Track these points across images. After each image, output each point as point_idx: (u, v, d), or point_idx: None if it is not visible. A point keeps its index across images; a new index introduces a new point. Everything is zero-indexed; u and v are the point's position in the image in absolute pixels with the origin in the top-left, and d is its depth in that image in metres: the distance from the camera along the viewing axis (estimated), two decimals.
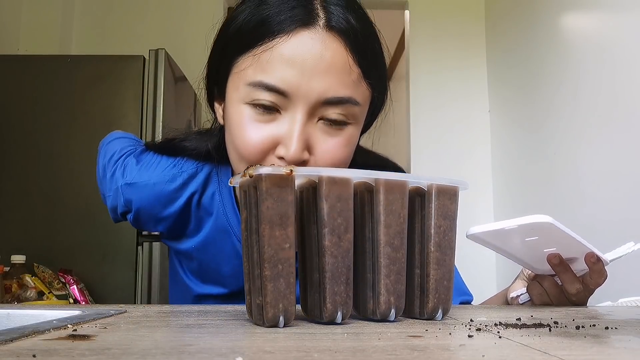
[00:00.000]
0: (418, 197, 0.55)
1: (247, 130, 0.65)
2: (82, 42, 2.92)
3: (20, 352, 0.33)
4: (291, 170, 0.47)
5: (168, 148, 0.83)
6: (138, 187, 0.80)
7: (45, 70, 2.15)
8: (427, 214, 0.54)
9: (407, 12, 3.03)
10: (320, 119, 0.66)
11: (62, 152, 2.11)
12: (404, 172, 0.89)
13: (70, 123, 2.12)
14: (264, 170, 0.46)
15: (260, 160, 0.66)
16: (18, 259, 1.89)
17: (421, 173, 0.91)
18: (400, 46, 3.81)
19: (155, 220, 0.82)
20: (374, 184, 0.52)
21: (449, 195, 0.55)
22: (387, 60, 0.74)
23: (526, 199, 2.35)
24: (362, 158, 0.81)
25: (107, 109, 2.13)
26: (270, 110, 0.65)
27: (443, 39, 2.94)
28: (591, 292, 0.75)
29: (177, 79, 2.33)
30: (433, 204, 0.54)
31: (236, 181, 0.51)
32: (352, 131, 0.68)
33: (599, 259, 0.71)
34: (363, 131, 0.77)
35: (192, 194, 0.80)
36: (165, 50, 2.16)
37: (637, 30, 1.57)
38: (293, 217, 0.48)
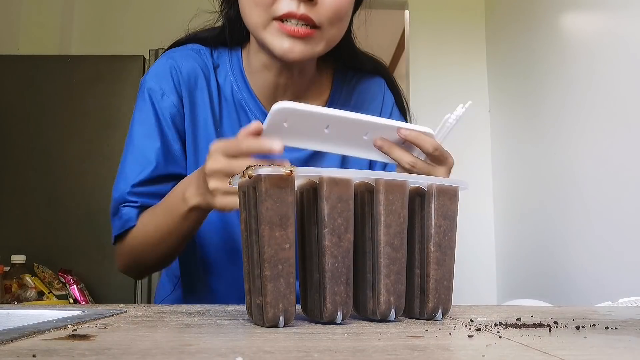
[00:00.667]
0: (418, 197, 0.55)
1: None
2: (82, 42, 2.92)
3: (20, 352, 0.33)
4: (291, 171, 0.47)
5: (181, 42, 0.92)
6: (169, 54, 0.88)
7: (45, 70, 2.15)
8: (427, 214, 0.54)
9: (407, 12, 3.03)
10: None
11: (61, 152, 2.11)
12: (385, 68, 0.99)
13: (70, 123, 2.12)
14: (264, 170, 0.46)
15: (273, 1, 0.74)
16: (18, 259, 1.89)
17: None
18: (400, 46, 3.81)
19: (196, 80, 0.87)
20: (374, 184, 0.52)
21: (449, 195, 0.55)
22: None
23: (526, 199, 2.35)
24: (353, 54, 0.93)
25: (107, 109, 2.13)
26: None
27: (443, 39, 2.94)
28: (436, 162, 0.72)
29: None
30: (433, 204, 0.54)
31: (235, 182, 0.51)
32: None
33: (407, 129, 0.71)
34: (356, 7, 0.87)
35: (212, 69, 0.88)
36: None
37: (638, 30, 1.57)
38: (293, 217, 0.47)
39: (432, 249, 0.54)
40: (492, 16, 2.90)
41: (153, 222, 0.79)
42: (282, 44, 0.75)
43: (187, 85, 0.86)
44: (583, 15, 1.92)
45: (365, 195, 0.53)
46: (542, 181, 2.17)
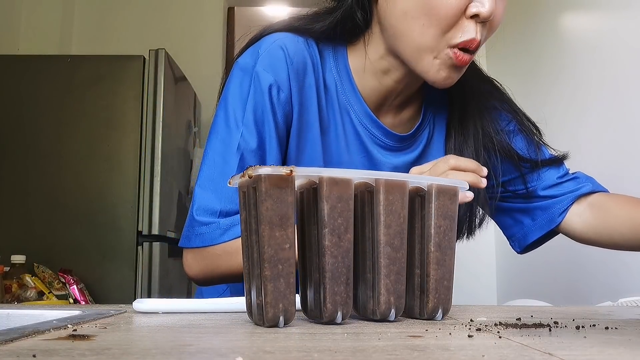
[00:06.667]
0: (418, 197, 0.55)
1: None
2: (82, 42, 2.92)
3: (20, 352, 0.33)
4: (291, 171, 0.47)
5: (273, 30, 0.79)
6: (277, 37, 0.76)
7: (45, 70, 2.15)
8: (427, 214, 0.54)
9: None
10: None
11: (62, 152, 2.10)
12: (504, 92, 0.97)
13: (70, 123, 2.12)
14: (264, 170, 0.46)
15: (454, 23, 0.69)
16: (18, 259, 1.89)
17: None
18: None
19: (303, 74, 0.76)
20: (374, 184, 0.52)
21: (449, 195, 0.55)
22: None
23: None
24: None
25: (107, 109, 2.13)
26: None
27: None
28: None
29: (177, 79, 2.33)
30: (433, 204, 0.54)
31: (235, 182, 0.51)
32: None
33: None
34: None
35: (320, 64, 0.79)
36: (165, 50, 2.15)
37: (637, 30, 1.57)
38: (293, 217, 0.47)
39: (432, 249, 0.54)
40: None
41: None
42: (440, 73, 0.70)
43: (297, 78, 0.76)
44: (583, 15, 1.92)
45: (365, 195, 0.53)
46: None
